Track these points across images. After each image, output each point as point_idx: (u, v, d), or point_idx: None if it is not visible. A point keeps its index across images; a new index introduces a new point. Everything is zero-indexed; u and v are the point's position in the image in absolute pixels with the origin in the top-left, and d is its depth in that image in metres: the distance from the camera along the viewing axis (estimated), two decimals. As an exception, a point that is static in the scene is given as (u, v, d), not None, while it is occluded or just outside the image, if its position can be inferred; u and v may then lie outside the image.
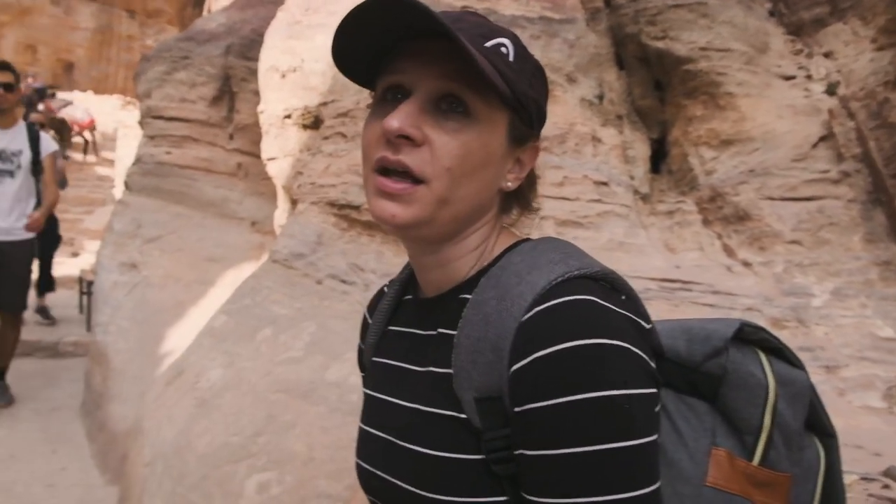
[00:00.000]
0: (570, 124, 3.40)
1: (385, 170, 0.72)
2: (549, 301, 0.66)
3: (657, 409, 0.68)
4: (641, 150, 3.63)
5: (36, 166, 4.38)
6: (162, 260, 4.26)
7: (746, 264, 2.98)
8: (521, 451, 0.66)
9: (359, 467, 0.86)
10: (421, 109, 0.71)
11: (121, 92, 20.98)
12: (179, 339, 3.71)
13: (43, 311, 6.23)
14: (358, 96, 3.52)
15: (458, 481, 0.71)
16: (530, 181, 0.84)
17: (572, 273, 0.69)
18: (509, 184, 0.79)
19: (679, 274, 2.94)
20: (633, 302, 0.74)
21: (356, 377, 2.24)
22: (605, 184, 3.31)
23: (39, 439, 3.76)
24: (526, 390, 0.65)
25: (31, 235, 4.32)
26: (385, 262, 2.83)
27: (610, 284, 0.73)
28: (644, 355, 0.67)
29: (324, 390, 2.27)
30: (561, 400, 0.62)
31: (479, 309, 0.72)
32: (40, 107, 14.19)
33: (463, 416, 0.71)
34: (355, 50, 0.75)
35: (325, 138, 3.48)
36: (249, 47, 5.28)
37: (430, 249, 0.79)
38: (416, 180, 0.71)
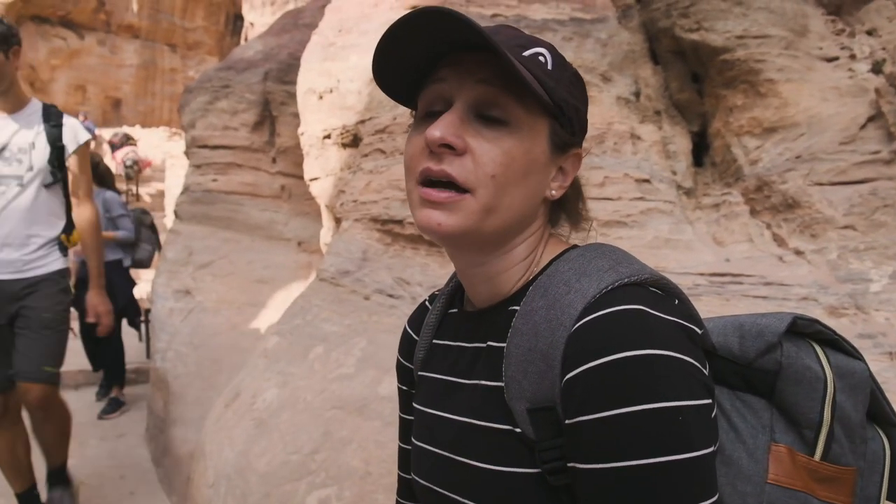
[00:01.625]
0: (607, 123, 3.38)
1: (429, 181, 0.73)
2: (599, 311, 0.66)
3: (713, 416, 0.67)
4: (682, 144, 3.57)
5: (59, 169, 2.97)
6: (214, 285, 4.37)
7: (798, 253, 2.89)
8: (573, 464, 0.66)
9: (416, 484, 0.87)
10: (462, 119, 0.72)
11: (166, 124, 21.69)
12: (235, 361, 3.80)
13: (115, 402, 5.00)
14: (394, 112, 3.56)
15: (515, 495, 0.71)
16: (576, 191, 0.84)
17: (622, 280, 0.70)
18: (553, 192, 0.79)
19: (729, 267, 2.88)
20: (684, 306, 0.74)
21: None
22: (646, 181, 3.27)
23: (108, 466, 3.89)
24: (576, 402, 0.65)
25: (59, 266, 2.99)
26: (430, 274, 2.85)
27: (661, 290, 0.72)
28: (697, 363, 0.66)
29: (377, 405, 2.29)
30: (611, 413, 0.62)
31: (528, 319, 0.72)
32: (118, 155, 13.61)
33: (516, 429, 0.71)
34: (396, 66, 0.77)
35: (365, 155, 3.53)
36: (287, 71, 5.40)
37: (478, 261, 0.80)
38: (461, 190, 0.72)
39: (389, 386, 2.34)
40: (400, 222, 3.05)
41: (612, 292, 0.68)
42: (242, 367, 3.15)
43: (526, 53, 0.74)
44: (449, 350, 0.87)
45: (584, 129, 0.81)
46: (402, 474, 1.02)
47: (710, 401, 0.66)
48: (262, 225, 5.03)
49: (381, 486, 1.86)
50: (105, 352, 5.09)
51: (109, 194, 5.08)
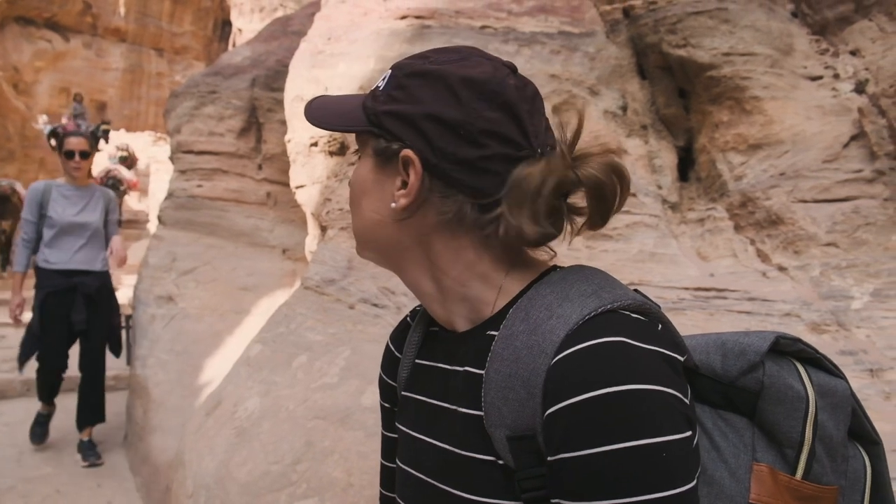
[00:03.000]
0: (594, 137, 3.40)
1: None
2: (581, 343, 0.65)
3: (694, 446, 0.66)
4: (668, 158, 3.60)
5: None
6: (197, 291, 4.33)
7: (782, 269, 2.92)
8: (556, 501, 0.64)
9: None
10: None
11: (152, 128, 21.55)
12: (217, 368, 3.76)
13: (88, 447, 4.07)
14: (382, 121, 3.55)
15: None
16: (517, 199, 0.73)
17: (605, 307, 0.68)
18: (401, 202, 0.76)
19: (713, 282, 2.90)
20: (667, 331, 0.73)
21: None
22: (632, 195, 3.29)
23: (84, 474, 3.83)
24: (557, 439, 0.64)
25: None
26: (415, 284, 2.84)
27: (644, 315, 0.72)
28: (680, 395, 0.65)
29: (360, 415, 2.27)
30: (594, 451, 0.61)
31: (508, 344, 0.71)
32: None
33: (496, 459, 0.70)
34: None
35: (352, 164, 3.52)
36: (274, 78, 5.39)
37: (408, 282, 0.84)
38: None
39: (372, 396, 2.32)
40: (386, 231, 3.04)
41: (595, 320, 0.67)
42: (224, 375, 3.12)
43: (377, 85, 0.80)
44: (431, 371, 0.85)
45: (417, 122, 0.75)
46: (384, 492, 1.00)
47: (691, 433, 0.65)
48: (247, 232, 5.00)
49: (363, 498, 1.84)
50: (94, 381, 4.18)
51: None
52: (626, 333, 0.66)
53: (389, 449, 0.97)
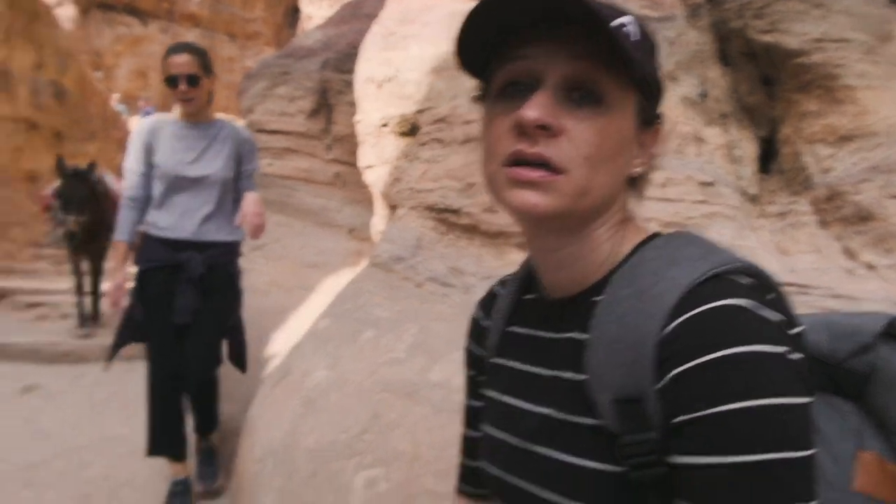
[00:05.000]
0: (672, 123, 3.30)
1: (517, 162, 0.70)
2: (697, 307, 0.63)
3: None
4: (749, 149, 3.47)
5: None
6: (266, 267, 4.42)
7: (870, 267, 2.78)
8: (677, 459, 0.63)
9: (487, 472, 0.84)
10: (554, 98, 0.69)
11: (223, 110, 22.11)
12: (283, 342, 3.84)
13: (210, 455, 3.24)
14: (453, 102, 3.54)
15: (596, 490, 0.68)
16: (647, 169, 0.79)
17: (716, 270, 0.66)
18: (637, 169, 0.76)
19: (795, 277, 2.78)
20: (780, 299, 0.70)
21: (460, 378, 2.24)
22: (710, 184, 3.18)
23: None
24: (687, 397, 0.62)
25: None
26: (485, 265, 2.82)
27: (755, 278, 0.69)
28: (799, 362, 0.63)
29: (427, 391, 2.27)
30: (723, 408, 0.60)
31: (613, 308, 0.69)
32: None
33: (597, 421, 0.68)
34: (477, 39, 0.74)
35: (422, 144, 3.52)
36: (345, 61, 5.44)
37: (559, 244, 0.76)
38: (554, 171, 0.69)
39: (440, 373, 2.32)
40: (456, 211, 3.03)
41: (708, 284, 0.65)
42: (290, 348, 3.17)
43: (613, 24, 0.69)
44: (526, 338, 0.84)
45: (661, 101, 0.78)
46: (465, 462, 0.99)
47: (811, 399, 0.63)
48: (315, 211, 5.07)
49: (430, 471, 1.84)
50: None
51: None
52: (743, 297, 0.64)
53: (473, 418, 0.96)
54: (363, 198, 4.91)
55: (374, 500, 1.84)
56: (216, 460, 3.19)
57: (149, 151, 2.93)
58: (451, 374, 2.28)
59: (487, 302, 0.95)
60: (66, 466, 3.52)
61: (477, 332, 0.96)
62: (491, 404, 0.87)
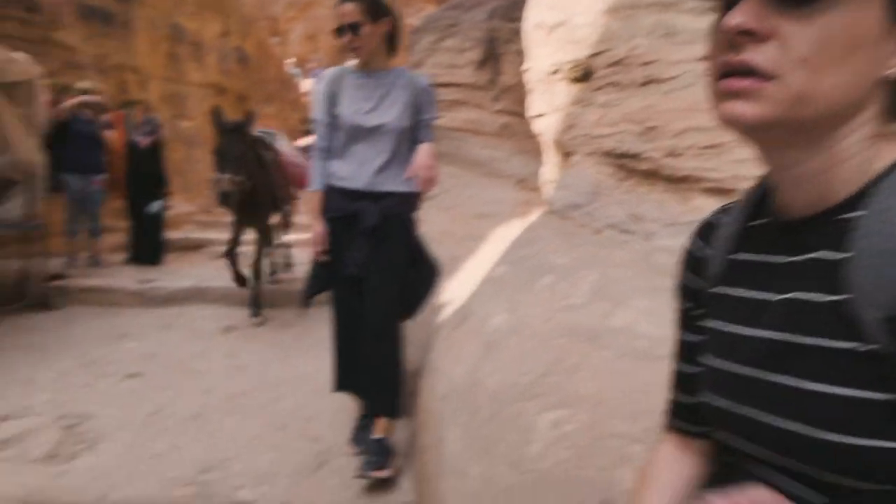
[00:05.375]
0: None
1: (728, 74, 0.66)
2: None
3: None
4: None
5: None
6: (438, 217, 4.55)
7: None
8: None
9: (711, 405, 0.81)
10: (762, 1, 0.63)
11: (389, 69, 22.79)
12: (456, 290, 3.95)
13: (381, 446, 2.83)
14: (629, 44, 3.39)
15: (854, 420, 0.63)
16: None
17: None
18: (893, 71, 0.66)
19: None
20: None
21: (645, 324, 2.19)
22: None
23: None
24: None
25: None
26: (668, 210, 2.71)
27: None
28: None
29: (608, 336, 2.25)
30: None
31: (882, 217, 0.63)
32: None
33: (856, 344, 0.63)
34: None
35: (597, 89, 3.42)
36: (513, 9, 5.37)
37: (793, 159, 0.71)
38: (763, 77, 0.64)
39: (621, 318, 2.28)
40: (635, 156, 2.92)
41: None
42: (465, 295, 3.26)
43: None
44: (754, 264, 0.80)
45: None
46: (679, 398, 0.97)
47: None
48: (483, 161, 5.12)
49: (617, 414, 1.83)
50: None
51: None
52: None
53: (689, 351, 0.93)
54: (531, 148, 4.88)
55: (560, 439, 1.87)
56: (385, 450, 2.85)
57: (332, 101, 2.95)
58: (634, 320, 2.24)
59: (706, 231, 0.92)
60: (263, 399, 3.90)
61: (693, 263, 0.93)
62: (713, 335, 0.84)
